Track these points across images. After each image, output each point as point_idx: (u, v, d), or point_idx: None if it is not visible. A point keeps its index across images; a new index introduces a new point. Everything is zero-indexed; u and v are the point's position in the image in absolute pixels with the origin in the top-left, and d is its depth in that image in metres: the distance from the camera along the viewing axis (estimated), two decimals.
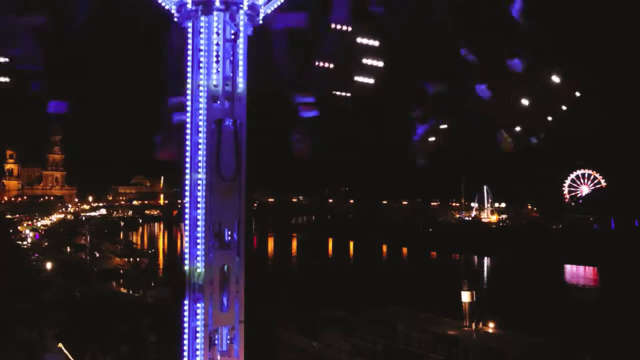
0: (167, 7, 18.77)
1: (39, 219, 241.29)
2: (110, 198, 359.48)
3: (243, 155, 18.41)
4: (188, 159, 18.62)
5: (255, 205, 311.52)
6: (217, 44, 18.39)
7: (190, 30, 18.56)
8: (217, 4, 18.01)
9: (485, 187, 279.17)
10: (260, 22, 18.97)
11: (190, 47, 18.62)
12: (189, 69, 18.80)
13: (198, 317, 18.11)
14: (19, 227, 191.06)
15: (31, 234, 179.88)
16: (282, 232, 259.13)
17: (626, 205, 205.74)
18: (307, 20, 21.60)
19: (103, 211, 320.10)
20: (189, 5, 18.32)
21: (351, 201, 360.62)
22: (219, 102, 18.42)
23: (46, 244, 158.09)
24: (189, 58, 18.65)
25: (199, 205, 18.24)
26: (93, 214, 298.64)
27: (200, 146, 18.28)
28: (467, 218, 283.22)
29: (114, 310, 69.58)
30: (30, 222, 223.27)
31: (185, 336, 18.41)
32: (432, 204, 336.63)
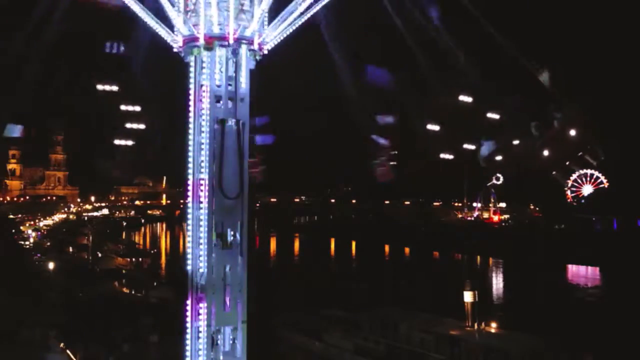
0: (169, 42, 18.93)
1: (42, 219, 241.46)
2: (113, 198, 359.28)
3: (246, 157, 18.45)
4: (191, 159, 18.67)
5: (258, 205, 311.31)
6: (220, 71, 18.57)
7: (192, 65, 18.70)
8: (219, 40, 18.15)
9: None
10: (264, 54, 19.15)
11: (192, 80, 18.75)
12: (191, 72, 18.91)
13: (200, 317, 18.14)
14: (22, 227, 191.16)
15: (33, 234, 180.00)
16: (285, 232, 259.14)
17: (628, 206, 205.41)
18: None
19: (105, 211, 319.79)
20: (192, 42, 18.47)
21: (353, 201, 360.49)
22: (221, 102, 18.48)
23: (48, 243, 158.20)
24: (191, 91, 18.77)
25: (201, 206, 18.29)
26: (95, 214, 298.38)
27: (203, 146, 18.34)
28: (469, 218, 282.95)
29: (116, 310, 69.76)
30: (32, 222, 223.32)
31: (188, 336, 18.45)
32: (435, 204, 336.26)
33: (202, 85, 18.55)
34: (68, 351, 53.65)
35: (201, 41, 18.17)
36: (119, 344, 58.13)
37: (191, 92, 18.83)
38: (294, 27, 19.29)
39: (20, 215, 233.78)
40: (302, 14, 19.10)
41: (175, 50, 18.98)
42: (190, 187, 18.65)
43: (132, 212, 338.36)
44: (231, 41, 18.07)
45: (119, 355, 56.67)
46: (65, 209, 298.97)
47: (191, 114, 18.82)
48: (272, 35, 19.17)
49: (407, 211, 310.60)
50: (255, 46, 18.67)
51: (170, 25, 18.85)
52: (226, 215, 18.35)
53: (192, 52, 18.58)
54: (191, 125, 18.74)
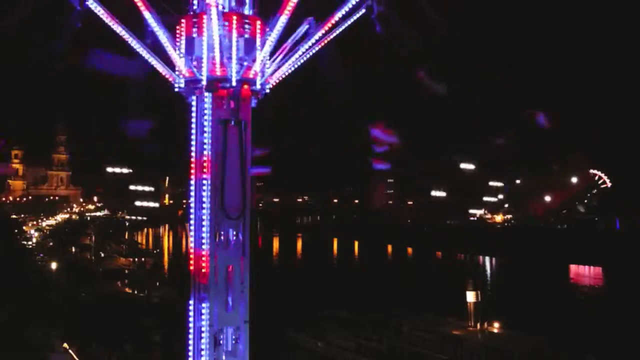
0: (170, 80, 19.04)
1: (44, 219, 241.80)
2: None
3: (248, 158, 18.50)
4: (193, 159, 18.70)
5: (261, 205, 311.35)
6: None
7: (194, 104, 18.79)
8: (222, 82, 18.24)
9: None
10: (266, 92, 19.28)
11: (194, 118, 18.83)
12: (194, 110, 19.05)
13: (203, 317, 18.18)
14: (24, 227, 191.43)
15: (36, 234, 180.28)
16: (287, 232, 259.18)
17: (631, 205, 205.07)
18: None
19: (108, 211, 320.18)
20: (193, 83, 18.57)
21: (356, 201, 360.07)
22: (224, 101, 18.52)
23: (51, 244, 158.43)
24: (193, 131, 18.85)
25: (204, 206, 18.32)
26: (98, 214, 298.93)
27: (205, 146, 18.39)
28: (471, 218, 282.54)
29: (119, 310, 69.75)
30: (35, 222, 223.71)
31: (190, 336, 18.48)
32: None
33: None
34: (71, 351, 53.70)
35: (203, 82, 18.28)
36: (121, 344, 58.16)
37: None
38: (294, 67, 19.48)
39: (22, 216, 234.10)
40: (302, 54, 19.27)
41: (176, 90, 19.09)
42: (192, 187, 18.69)
43: None
44: (234, 83, 18.20)
45: (122, 355, 56.71)
46: (68, 209, 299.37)
47: (193, 114, 18.88)
48: (274, 77, 19.32)
49: (410, 211, 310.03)
50: (258, 86, 18.83)
51: (171, 66, 18.98)
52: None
53: (194, 92, 18.71)
54: (193, 125, 18.80)
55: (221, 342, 18.42)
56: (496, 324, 59.45)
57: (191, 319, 18.44)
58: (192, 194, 18.66)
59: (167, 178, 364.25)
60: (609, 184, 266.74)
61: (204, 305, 18.19)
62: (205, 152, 18.44)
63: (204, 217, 18.31)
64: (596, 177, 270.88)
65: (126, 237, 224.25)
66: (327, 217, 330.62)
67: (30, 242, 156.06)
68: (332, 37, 19.33)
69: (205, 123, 18.48)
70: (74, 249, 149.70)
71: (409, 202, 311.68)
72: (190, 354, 18.40)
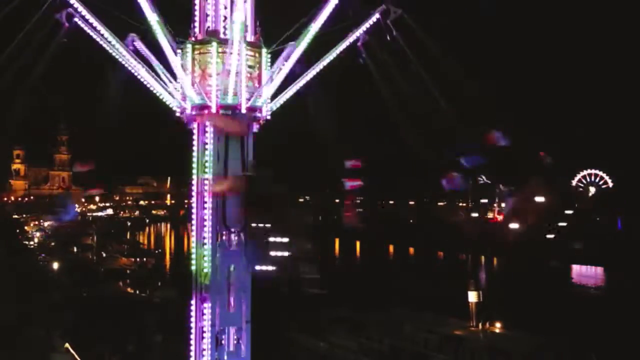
0: (173, 108, 19.06)
1: (46, 219, 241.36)
2: (117, 198, 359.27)
3: (249, 158, 18.51)
4: (195, 160, 18.72)
5: None
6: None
7: (195, 130, 18.83)
8: (222, 109, 18.25)
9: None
10: (267, 118, 19.31)
11: (195, 143, 18.86)
12: (195, 134, 19.06)
13: (205, 317, 18.19)
14: (26, 227, 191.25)
15: (38, 234, 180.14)
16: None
17: (633, 205, 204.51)
18: None
19: (110, 211, 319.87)
20: (195, 110, 18.59)
21: (357, 201, 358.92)
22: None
23: (53, 243, 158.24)
24: (194, 145, 18.85)
25: (206, 206, 18.32)
26: (100, 214, 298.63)
27: (207, 147, 18.40)
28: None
29: (121, 310, 69.80)
30: (36, 222, 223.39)
31: (192, 336, 18.48)
32: (439, 204, 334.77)
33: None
34: (72, 351, 53.70)
35: (213, 110, 18.22)
36: (122, 344, 58.17)
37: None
38: (292, 93, 19.52)
39: (24, 215, 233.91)
40: (303, 81, 19.31)
41: (178, 115, 19.04)
42: (194, 188, 18.69)
43: (137, 212, 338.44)
44: (243, 110, 18.20)
45: (123, 355, 56.71)
46: None
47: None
48: (277, 103, 19.34)
49: (412, 211, 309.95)
50: (264, 114, 18.88)
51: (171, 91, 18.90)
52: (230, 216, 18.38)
53: (196, 119, 18.70)
54: (195, 126, 18.80)
55: (223, 342, 18.43)
56: (498, 324, 59.37)
57: (193, 319, 18.45)
58: (194, 194, 18.67)
59: (169, 178, 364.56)
60: (610, 184, 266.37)
61: (205, 305, 18.20)
62: (206, 152, 18.45)
63: (206, 217, 18.32)
64: (598, 177, 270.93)
65: (128, 236, 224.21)
66: (328, 216, 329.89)
67: (31, 242, 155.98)
68: (329, 60, 19.33)
69: (207, 124, 18.47)
70: (75, 249, 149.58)
71: (411, 203, 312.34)
72: (192, 354, 18.40)
